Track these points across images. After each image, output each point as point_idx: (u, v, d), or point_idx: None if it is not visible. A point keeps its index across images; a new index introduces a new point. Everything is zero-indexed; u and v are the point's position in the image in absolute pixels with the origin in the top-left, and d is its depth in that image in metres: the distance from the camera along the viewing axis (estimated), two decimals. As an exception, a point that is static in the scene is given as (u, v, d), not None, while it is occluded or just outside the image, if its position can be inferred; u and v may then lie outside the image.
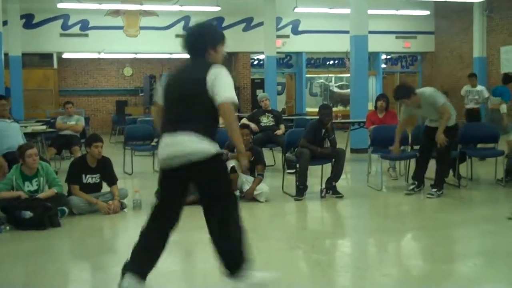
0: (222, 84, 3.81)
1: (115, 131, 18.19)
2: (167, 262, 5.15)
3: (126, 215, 6.99)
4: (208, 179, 4.04)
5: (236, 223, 4.09)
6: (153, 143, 11.12)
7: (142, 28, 20.00)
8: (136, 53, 20.44)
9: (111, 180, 7.16)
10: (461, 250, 5.35)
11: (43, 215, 6.10)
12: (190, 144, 3.83)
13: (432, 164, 7.89)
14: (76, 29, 19.44)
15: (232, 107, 3.84)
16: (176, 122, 3.89)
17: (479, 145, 9.50)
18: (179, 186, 4.13)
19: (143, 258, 4.14)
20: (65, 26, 19.35)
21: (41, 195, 6.46)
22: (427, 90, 7.81)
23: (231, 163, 7.56)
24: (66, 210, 6.61)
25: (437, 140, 7.49)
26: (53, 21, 19.24)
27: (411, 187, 7.93)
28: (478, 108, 13.31)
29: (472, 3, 18.53)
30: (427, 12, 20.76)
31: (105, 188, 7.22)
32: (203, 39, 4.13)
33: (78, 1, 17.66)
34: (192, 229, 6.26)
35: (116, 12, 19.69)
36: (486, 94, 12.99)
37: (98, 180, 7.12)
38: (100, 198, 6.98)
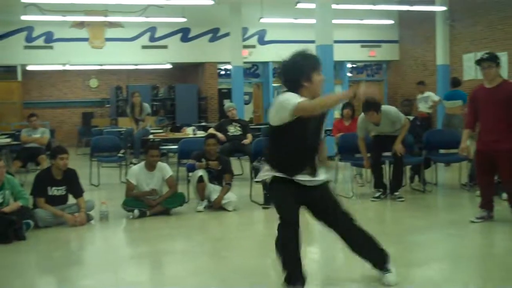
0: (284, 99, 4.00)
1: (82, 143, 18.01)
2: (135, 273, 5.13)
3: (93, 227, 6.92)
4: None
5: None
6: (119, 154, 11.06)
7: (107, 39, 19.86)
8: (102, 65, 20.27)
9: (77, 192, 7.09)
10: (427, 255, 5.41)
11: (7, 229, 6.02)
12: None
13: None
14: (40, 41, 19.22)
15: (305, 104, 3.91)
16: None
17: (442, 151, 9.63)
18: None
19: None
20: (29, 38, 19.12)
21: (5, 209, 6.36)
22: (392, 108, 8.20)
23: (199, 173, 7.57)
24: (32, 223, 6.51)
25: (397, 149, 7.82)
26: (17, 33, 18.98)
27: (377, 194, 8.02)
28: (428, 113, 13.58)
29: (434, 12, 18.83)
30: (391, 22, 21.03)
31: (72, 200, 7.14)
32: (296, 71, 4.14)
33: (42, 13, 17.46)
34: (159, 240, 6.26)
35: (81, 24, 19.52)
36: (435, 98, 13.83)
37: (64, 192, 7.04)
38: (66, 210, 6.91)
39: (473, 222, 6.40)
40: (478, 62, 6.35)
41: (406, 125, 7.96)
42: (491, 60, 6.27)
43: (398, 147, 7.84)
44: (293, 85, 4.11)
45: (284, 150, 4.12)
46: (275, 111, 4.05)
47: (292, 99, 3.94)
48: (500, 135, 6.19)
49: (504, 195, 6.60)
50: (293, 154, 4.12)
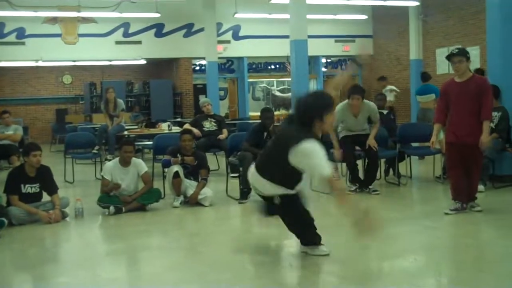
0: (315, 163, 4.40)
1: (56, 140, 17.84)
2: (111, 269, 5.11)
3: (68, 224, 6.87)
4: None
5: None
6: (94, 151, 10.99)
7: (80, 35, 19.66)
8: (75, 61, 20.09)
9: (51, 189, 7.03)
10: (402, 246, 5.47)
11: (-19, 227, 5.95)
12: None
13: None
14: (12, 37, 18.94)
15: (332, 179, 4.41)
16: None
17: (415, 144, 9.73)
18: None
19: None
20: (0, 34, 18.84)
21: (-22, 207, 6.29)
22: (371, 103, 8.43)
23: (174, 168, 7.55)
24: (5, 221, 6.42)
25: (371, 144, 8.00)
26: (-12, 30, 18.75)
27: (353, 188, 8.08)
28: (392, 106, 13.89)
29: (407, 7, 18.99)
30: (364, 17, 21.15)
31: (46, 197, 7.08)
32: (310, 111, 4.55)
33: (14, 9, 17.25)
34: (135, 237, 6.24)
35: (54, 20, 19.30)
36: (397, 89, 14.82)
37: (38, 190, 6.97)
38: (41, 208, 6.85)
39: (447, 214, 6.50)
40: (449, 57, 6.44)
41: (378, 123, 8.22)
42: (462, 54, 6.37)
43: (372, 142, 7.97)
44: (306, 121, 4.57)
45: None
46: (302, 156, 4.42)
47: (325, 167, 4.37)
48: (471, 128, 6.32)
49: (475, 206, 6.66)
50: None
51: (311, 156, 4.40)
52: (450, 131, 6.52)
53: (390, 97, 14.40)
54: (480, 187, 7.25)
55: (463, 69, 6.37)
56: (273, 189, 4.73)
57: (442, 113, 6.57)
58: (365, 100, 8.11)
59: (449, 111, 6.50)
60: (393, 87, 14.99)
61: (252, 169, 4.90)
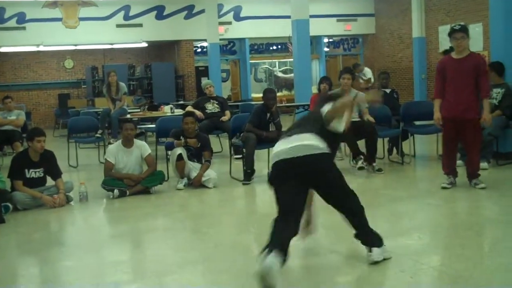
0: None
1: (59, 125, 17.86)
2: (117, 252, 5.13)
3: (72, 208, 6.89)
4: None
5: None
6: (97, 135, 11.00)
7: (81, 19, 19.59)
8: (76, 45, 20.04)
9: (56, 173, 7.04)
10: (406, 225, 5.48)
11: (-14, 212, 5.97)
12: None
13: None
14: (12, 22, 18.89)
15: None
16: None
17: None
18: None
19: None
20: (1, 20, 18.78)
21: (-17, 192, 6.31)
22: (361, 92, 8.32)
23: (178, 151, 7.55)
24: (10, 206, 6.49)
25: (369, 118, 8.05)
26: (-12, 15, 18.70)
27: (360, 161, 8.01)
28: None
29: (409, -16, 18.87)
30: (366, -5, 21.06)
31: (50, 182, 7.09)
32: None
33: (14, -7, 17.20)
34: (140, 219, 6.26)
35: (54, 4, 19.24)
36: (368, 74, 14.57)
37: (42, 174, 6.99)
38: (45, 192, 6.87)
39: (444, 188, 6.62)
40: (451, 33, 6.44)
41: (367, 111, 8.15)
42: (464, 31, 6.42)
43: (369, 116, 8.03)
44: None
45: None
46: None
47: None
48: (468, 104, 6.39)
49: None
50: None
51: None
52: (446, 106, 6.55)
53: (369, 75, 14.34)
54: (484, 165, 7.26)
55: (464, 46, 6.43)
56: (316, 140, 4.13)
57: (441, 88, 6.61)
58: (353, 89, 8.10)
59: (445, 87, 6.53)
60: (368, 71, 14.92)
61: (281, 140, 4.38)
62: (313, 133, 4.16)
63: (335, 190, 4.28)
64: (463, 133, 6.56)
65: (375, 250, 4.19)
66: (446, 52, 10.69)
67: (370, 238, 4.25)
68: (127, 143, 7.46)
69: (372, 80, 14.45)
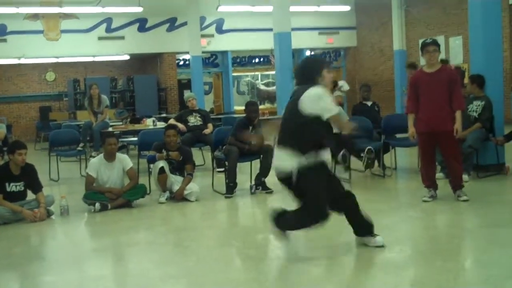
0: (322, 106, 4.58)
1: (40, 138, 17.70)
2: (98, 266, 5.09)
3: (53, 222, 6.84)
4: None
5: None
6: (79, 148, 10.94)
7: (63, 31, 19.53)
8: (58, 57, 19.95)
9: (36, 187, 6.99)
10: (387, 237, 5.47)
11: (-35, 227, 5.90)
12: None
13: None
14: (-7, 35, 18.80)
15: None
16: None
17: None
18: None
19: None
20: (-18, 32, 18.69)
21: (-38, 206, 6.24)
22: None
23: (160, 164, 7.53)
24: (-10, 220, 6.41)
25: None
26: (-31, 27, 18.57)
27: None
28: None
29: (390, -2, 19.06)
30: (347, 8, 21.17)
31: (31, 195, 7.04)
32: (308, 70, 4.82)
33: (-6, 6, 17.09)
34: (122, 233, 6.22)
35: (35, 16, 19.16)
36: (345, 86, 14.25)
37: (23, 188, 6.93)
38: (26, 206, 6.80)
39: (425, 201, 6.67)
40: (423, 46, 6.56)
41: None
42: (436, 44, 6.54)
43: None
44: (308, 81, 4.73)
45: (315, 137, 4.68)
46: (311, 102, 4.57)
47: (333, 109, 4.61)
48: (443, 116, 6.47)
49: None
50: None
51: (319, 100, 4.57)
52: (421, 120, 6.62)
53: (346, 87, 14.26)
54: (464, 177, 7.31)
55: (436, 59, 6.56)
56: (292, 160, 4.59)
57: (414, 102, 6.67)
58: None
59: (419, 101, 6.60)
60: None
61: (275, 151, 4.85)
62: (289, 148, 4.62)
63: (305, 197, 4.70)
64: (441, 146, 6.64)
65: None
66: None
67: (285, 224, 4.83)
68: (109, 158, 7.43)
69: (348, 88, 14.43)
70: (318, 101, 4.56)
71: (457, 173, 6.67)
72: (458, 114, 6.47)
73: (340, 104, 10.81)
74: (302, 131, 4.61)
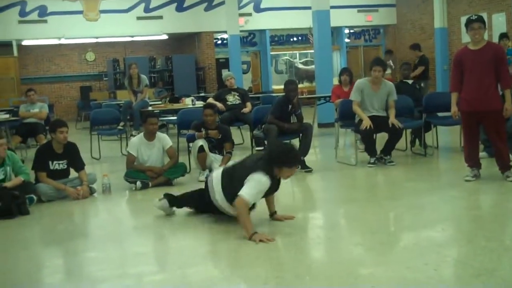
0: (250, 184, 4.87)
1: (81, 117, 17.99)
2: (139, 243, 5.15)
3: (95, 200, 6.94)
4: None
5: None
6: (119, 127, 11.06)
7: (102, 11, 19.69)
8: (97, 38, 20.16)
9: (79, 165, 7.09)
10: (429, 217, 5.43)
11: (11, 204, 6.03)
12: None
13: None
14: (34, 16, 19.05)
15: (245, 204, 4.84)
16: None
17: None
18: None
19: None
20: (23, 13, 18.95)
21: (7, 184, 6.38)
22: (390, 82, 8.41)
23: (199, 143, 7.56)
24: (35, 197, 6.53)
25: (394, 122, 7.80)
26: (10, 8, 18.83)
27: (372, 160, 7.98)
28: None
29: (431, -26, 18.67)
30: (387, -15, 20.86)
31: (73, 174, 7.15)
32: (274, 158, 4.99)
33: (35, -13, 17.32)
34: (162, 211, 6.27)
35: (75, -4, 19.36)
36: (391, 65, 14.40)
37: (66, 166, 7.04)
38: (69, 184, 6.92)
39: (468, 180, 6.56)
40: (468, 23, 6.37)
41: (394, 104, 8.04)
42: (481, 21, 6.35)
43: (395, 120, 7.83)
44: (268, 162, 4.97)
45: None
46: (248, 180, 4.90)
47: (252, 197, 4.92)
48: (489, 95, 6.29)
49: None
50: None
51: (253, 183, 4.85)
52: (465, 99, 6.44)
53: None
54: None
55: (481, 36, 6.35)
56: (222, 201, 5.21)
57: (458, 81, 6.49)
58: (384, 80, 8.06)
59: (464, 79, 6.43)
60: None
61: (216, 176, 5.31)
62: (223, 195, 5.17)
63: None
64: (487, 126, 6.49)
65: None
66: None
67: None
68: (150, 137, 7.48)
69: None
70: (254, 186, 4.85)
71: (504, 153, 6.48)
72: (507, 93, 6.26)
73: (392, 81, 10.72)
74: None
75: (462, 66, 6.42)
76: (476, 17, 6.38)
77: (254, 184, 4.86)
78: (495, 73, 6.26)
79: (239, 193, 4.83)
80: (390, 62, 14.84)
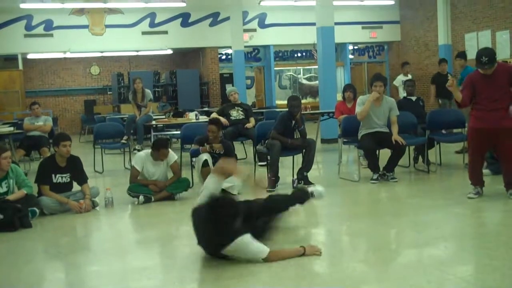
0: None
1: (85, 131, 18.05)
2: (142, 258, 5.15)
3: (98, 213, 6.95)
4: None
5: None
6: (122, 141, 11.08)
7: (107, 26, 19.82)
8: (102, 52, 20.26)
9: (82, 179, 7.11)
10: (432, 234, 5.42)
11: (13, 217, 6.04)
12: None
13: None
14: (40, 29, 19.18)
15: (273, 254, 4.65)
16: None
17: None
18: None
19: None
20: (29, 27, 19.08)
21: (10, 197, 6.39)
22: (391, 98, 8.46)
23: (203, 157, 7.56)
24: (37, 210, 6.55)
25: (397, 139, 7.78)
26: (17, 22, 18.96)
27: (375, 176, 7.98)
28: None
29: (435, -9, 18.75)
30: (391, 2, 20.92)
31: (76, 187, 7.16)
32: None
33: (41, 1, 17.43)
34: (165, 225, 6.27)
35: (81, 11, 19.49)
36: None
37: (68, 180, 7.06)
38: (71, 197, 6.93)
39: (470, 198, 6.57)
40: (478, 61, 6.22)
41: (396, 120, 8.06)
42: (492, 62, 6.20)
43: (398, 137, 7.84)
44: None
45: None
46: (237, 251, 4.59)
47: (262, 250, 4.62)
48: (503, 113, 6.27)
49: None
50: None
51: (246, 248, 4.57)
52: (478, 117, 6.41)
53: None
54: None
55: (492, 70, 6.27)
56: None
57: (469, 98, 6.43)
58: (385, 96, 8.09)
59: (476, 98, 6.40)
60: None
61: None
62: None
63: None
64: (499, 143, 6.40)
65: None
66: (460, 55, 10.60)
67: None
68: (156, 158, 7.46)
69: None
70: (245, 249, 4.58)
71: None
72: None
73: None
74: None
75: (474, 88, 6.37)
76: (487, 59, 6.16)
77: (249, 245, 4.61)
78: (509, 90, 6.24)
79: (262, 258, 4.58)
80: (408, 75, 14.74)
